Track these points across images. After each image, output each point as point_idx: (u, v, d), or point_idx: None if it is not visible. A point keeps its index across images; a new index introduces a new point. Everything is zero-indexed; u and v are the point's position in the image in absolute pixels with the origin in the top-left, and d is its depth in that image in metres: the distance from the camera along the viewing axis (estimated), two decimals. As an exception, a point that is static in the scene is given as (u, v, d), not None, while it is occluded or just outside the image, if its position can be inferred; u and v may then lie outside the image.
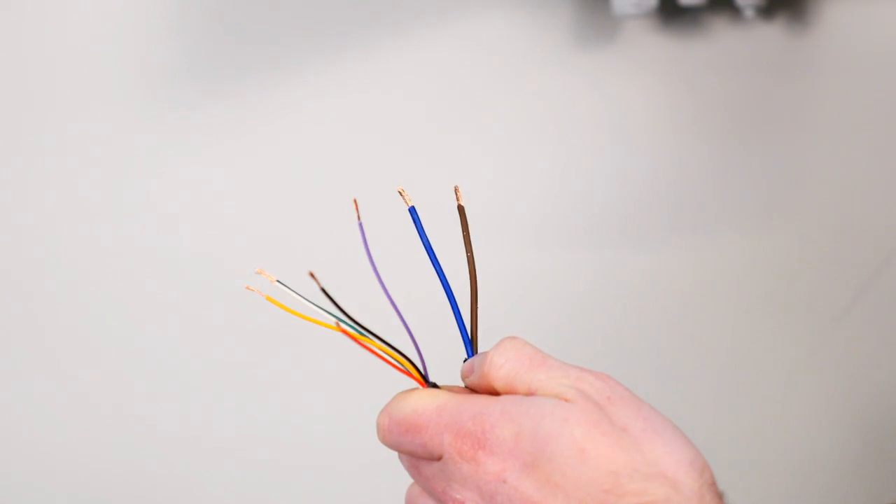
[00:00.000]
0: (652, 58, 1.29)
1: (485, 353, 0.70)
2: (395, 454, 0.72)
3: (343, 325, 0.70)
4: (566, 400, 0.67)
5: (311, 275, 0.74)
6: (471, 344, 0.72)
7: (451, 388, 0.72)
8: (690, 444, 0.68)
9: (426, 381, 0.72)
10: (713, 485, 0.67)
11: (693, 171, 1.30)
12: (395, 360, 0.71)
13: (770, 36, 1.29)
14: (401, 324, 0.72)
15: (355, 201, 0.74)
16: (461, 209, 0.73)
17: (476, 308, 0.72)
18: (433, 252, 0.72)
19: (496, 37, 1.29)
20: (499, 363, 0.69)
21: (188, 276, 1.28)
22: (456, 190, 0.73)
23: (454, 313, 0.71)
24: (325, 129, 1.28)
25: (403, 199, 0.71)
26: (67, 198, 1.27)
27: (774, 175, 1.31)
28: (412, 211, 0.72)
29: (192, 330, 1.27)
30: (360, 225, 0.73)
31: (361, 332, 0.70)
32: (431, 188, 1.30)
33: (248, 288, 0.73)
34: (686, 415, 1.31)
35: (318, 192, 1.29)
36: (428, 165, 1.29)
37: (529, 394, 0.69)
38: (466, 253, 0.72)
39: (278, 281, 0.71)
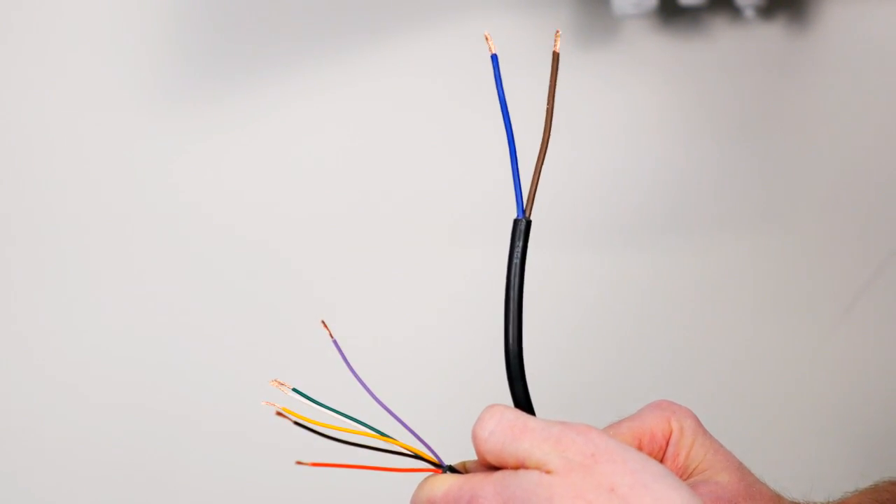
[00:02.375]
0: (652, 58, 1.29)
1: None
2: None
3: (358, 427, 0.71)
4: (549, 472, 0.68)
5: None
6: (524, 205, 0.73)
7: (464, 465, 0.74)
8: (683, 491, 0.67)
9: (441, 465, 0.73)
10: None
11: (693, 170, 1.30)
12: (409, 451, 0.72)
13: (770, 36, 1.29)
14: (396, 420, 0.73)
15: (324, 322, 0.75)
16: (556, 56, 0.73)
17: (541, 166, 0.73)
18: (506, 104, 0.73)
19: (496, 37, 1.28)
20: (483, 437, 0.70)
21: (192, 275, 1.28)
22: (556, 34, 0.73)
23: (513, 172, 0.72)
24: (324, 129, 1.29)
25: (488, 45, 0.72)
26: (69, 198, 1.27)
27: (775, 174, 1.31)
28: (494, 59, 0.73)
29: (196, 327, 1.28)
30: (336, 342, 0.74)
31: (373, 430, 0.72)
32: (430, 188, 1.30)
33: (265, 403, 0.74)
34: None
35: (321, 189, 1.29)
36: (427, 165, 1.29)
37: (517, 466, 0.69)
38: (547, 104, 0.72)
39: (294, 389, 0.72)
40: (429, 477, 0.72)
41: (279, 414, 0.69)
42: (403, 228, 1.29)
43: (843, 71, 1.30)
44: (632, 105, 1.29)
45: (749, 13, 1.26)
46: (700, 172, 1.30)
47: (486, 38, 0.73)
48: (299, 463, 0.71)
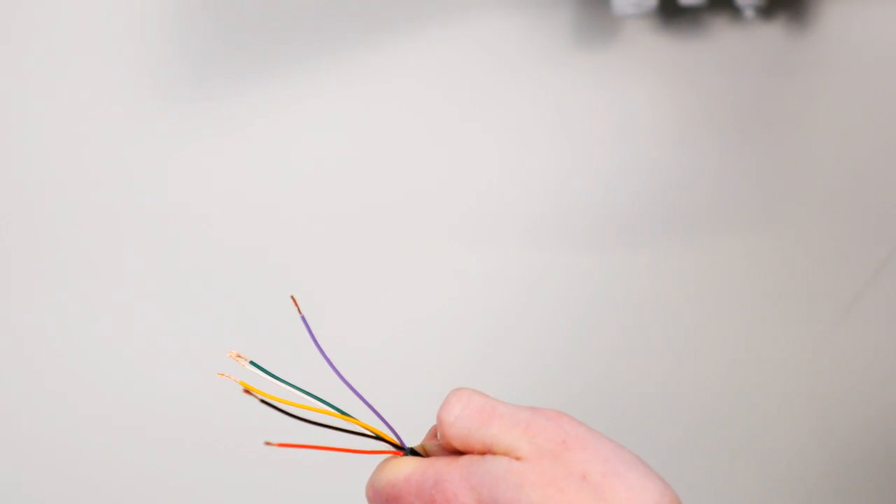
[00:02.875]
0: (652, 58, 1.29)
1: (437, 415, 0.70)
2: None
3: (317, 404, 0.70)
4: (518, 458, 0.66)
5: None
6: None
7: (424, 448, 0.73)
8: (656, 480, 0.65)
9: (402, 448, 0.72)
10: None
11: (693, 171, 1.30)
12: (370, 432, 0.71)
13: (770, 36, 1.29)
14: (361, 401, 0.72)
15: (293, 298, 0.75)
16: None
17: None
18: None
19: (495, 37, 1.29)
20: (449, 421, 0.69)
21: (189, 276, 1.28)
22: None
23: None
24: (322, 130, 1.29)
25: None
26: (67, 199, 1.27)
27: (775, 175, 1.30)
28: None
29: (193, 328, 1.28)
30: (304, 318, 0.73)
31: (334, 409, 0.71)
32: (430, 189, 1.30)
33: (220, 375, 0.73)
34: (688, 414, 1.31)
35: (318, 191, 1.29)
36: (427, 166, 1.29)
37: (484, 452, 0.68)
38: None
39: (251, 362, 0.71)
40: (388, 459, 0.71)
41: (246, 391, 0.69)
42: (400, 230, 1.29)
43: (844, 71, 1.30)
44: (631, 105, 1.29)
45: (749, 13, 1.26)
46: (700, 172, 1.30)
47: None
48: (268, 444, 0.70)
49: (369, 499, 0.71)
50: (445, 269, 1.29)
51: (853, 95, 1.30)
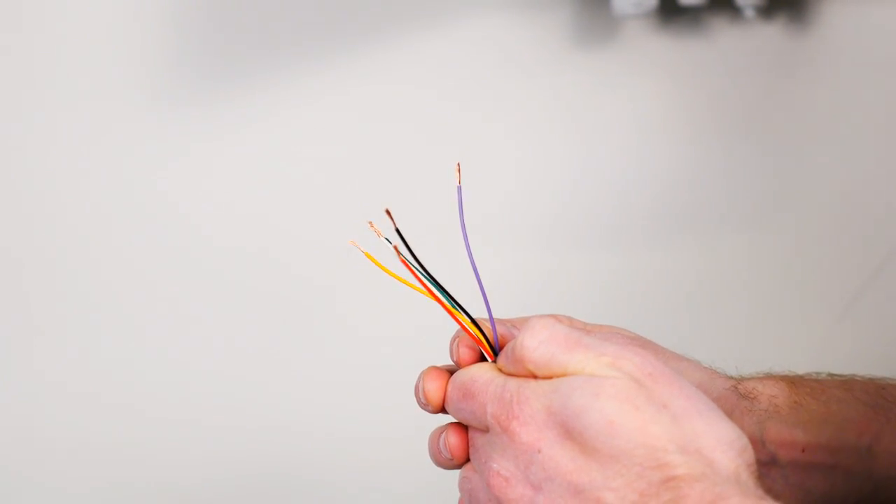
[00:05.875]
0: (652, 58, 1.29)
1: (515, 339, 0.70)
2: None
3: (434, 292, 0.72)
4: (602, 376, 0.66)
5: (388, 212, 0.74)
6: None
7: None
8: (733, 425, 0.66)
9: (495, 354, 0.73)
10: (751, 465, 0.65)
11: (693, 170, 1.30)
12: (471, 329, 0.72)
13: (770, 36, 1.29)
14: (481, 298, 0.74)
15: (388, 211, 0.75)
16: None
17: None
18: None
19: (496, 37, 1.29)
20: (532, 346, 0.68)
21: (187, 278, 1.28)
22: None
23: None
24: (322, 132, 1.29)
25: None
26: (66, 200, 1.27)
27: (774, 174, 1.31)
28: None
29: (193, 330, 1.28)
30: (459, 188, 0.73)
31: (448, 300, 0.72)
32: (431, 189, 1.30)
33: (351, 242, 0.74)
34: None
35: (319, 192, 1.29)
36: (426, 166, 1.29)
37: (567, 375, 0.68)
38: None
39: (386, 238, 0.72)
40: (479, 363, 0.72)
41: (367, 255, 0.70)
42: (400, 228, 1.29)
43: (843, 71, 1.30)
44: (631, 105, 1.30)
45: (749, 13, 1.26)
46: (700, 172, 1.30)
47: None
48: (397, 250, 0.72)
49: (447, 393, 0.73)
50: (441, 272, 1.29)
51: (853, 95, 1.30)
